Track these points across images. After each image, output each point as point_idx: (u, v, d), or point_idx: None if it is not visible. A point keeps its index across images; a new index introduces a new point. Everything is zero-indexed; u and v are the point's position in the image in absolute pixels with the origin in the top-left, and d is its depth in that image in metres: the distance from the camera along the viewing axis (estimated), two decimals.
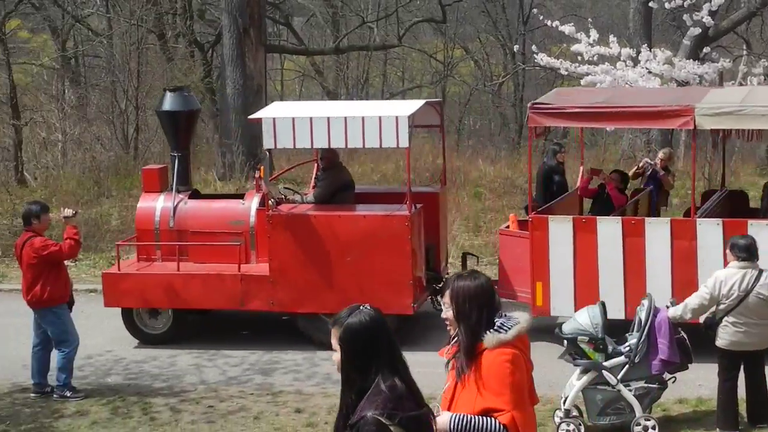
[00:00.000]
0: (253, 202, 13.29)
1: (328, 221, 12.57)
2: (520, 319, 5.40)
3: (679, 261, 11.78)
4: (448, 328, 5.45)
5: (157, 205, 13.59)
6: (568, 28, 14.87)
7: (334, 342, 4.83)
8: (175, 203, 13.38)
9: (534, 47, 20.00)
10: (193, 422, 10.92)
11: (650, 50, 15.56)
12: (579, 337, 10.03)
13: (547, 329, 11.88)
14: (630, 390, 10.01)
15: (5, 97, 27.29)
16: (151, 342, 13.49)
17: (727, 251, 9.87)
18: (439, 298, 12.55)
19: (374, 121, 12.19)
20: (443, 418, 5.25)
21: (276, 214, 12.76)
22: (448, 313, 5.35)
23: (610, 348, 10.00)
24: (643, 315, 10.04)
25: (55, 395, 11.75)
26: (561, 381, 10.74)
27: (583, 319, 10.08)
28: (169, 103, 13.93)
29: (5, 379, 12.18)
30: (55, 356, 11.81)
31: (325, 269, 12.52)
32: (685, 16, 15.47)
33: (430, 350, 11.11)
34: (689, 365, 10.19)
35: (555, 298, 12.33)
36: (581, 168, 14.47)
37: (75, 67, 34.90)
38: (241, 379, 12.37)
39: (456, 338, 5.45)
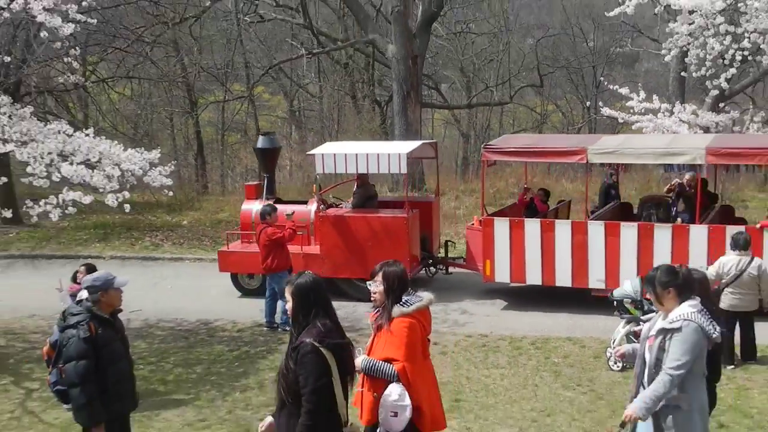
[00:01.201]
0: (312, 207, 14.51)
1: (356, 220, 13.99)
2: (423, 298, 5.78)
3: (577, 249, 12.92)
4: (374, 298, 5.75)
5: (253, 207, 14.71)
6: (624, 90, 15.18)
7: (288, 295, 5.15)
8: (271, 207, 13.95)
9: (601, 103, 20.35)
10: None
11: (681, 105, 15.76)
12: (625, 299, 10.45)
13: (500, 290, 13.84)
14: None
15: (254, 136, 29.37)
16: (248, 294, 14.74)
17: (728, 243, 10.62)
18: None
19: (385, 156, 13.66)
20: (359, 359, 5.58)
21: (324, 215, 14.13)
22: (378, 288, 5.69)
23: (645, 306, 10.28)
24: None
25: (279, 329, 12.60)
26: (610, 328, 10.87)
27: (628, 288, 10.56)
28: (261, 142, 15.42)
29: (249, 318, 13.14)
30: (279, 304, 12.52)
31: (355, 250, 13.78)
32: (707, 82, 15.65)
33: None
34: None
35: (497, 270, 13.58)
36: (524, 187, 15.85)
37: (298, 117, 37.95)
38: None
39: (382, 306, 5.72)
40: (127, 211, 12.07)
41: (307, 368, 4.92)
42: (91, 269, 8.98)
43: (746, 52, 14.99)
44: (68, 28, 11.23)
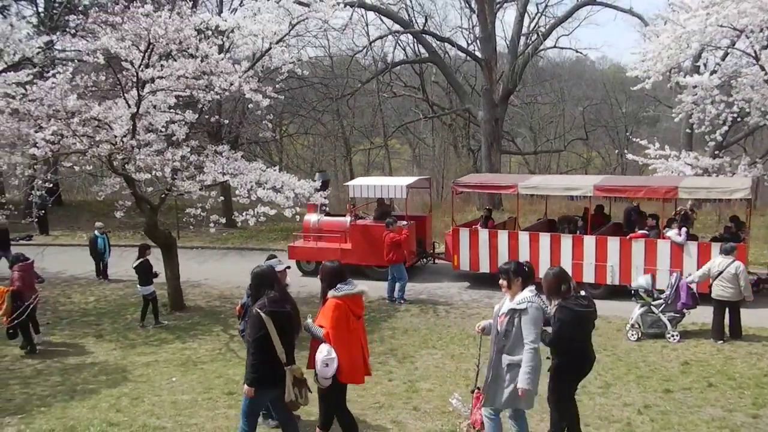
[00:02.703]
0: (348, 218, 14.51)
1: (374, 227, 13.94)
2: (352, 287, 5.58)
3: (512, 250, 12.96)
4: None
5: (311, 218, 14.92)
6: (644, 142, 14.45)
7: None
8: (319, 217, 14.74)
9: (626, 150, 19.38)
10: None
11: (687, 152, 14.83)
12: (639, 289, 10.00)
13: (476, 277, 12.45)
14: (665, 316, 9.82)
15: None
16: (306, 275, 14.59)
17: (720, 249, 10.01)
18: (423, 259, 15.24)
19: (393, 186, 14.17)
20: (307, 321, 5.56)
21: (354, 224, 14.32)
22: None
23: (655, 295, 9.77)
24: (672, 280, 9.96)
25: (396, 302, 12.33)
26: (628, 311, 10.46)
27: (642, 281, 10.06)
28: (317, 177, 15.02)
29: (377, 294, 12.57)
30: (396, 285, 12.45)
31: (373, 247, 13.65)
32: (706, 137, 14.74)
33: (416, 282, 13.72)
34: (697, 306, 9.92)
35: (461, 262, 13.60)
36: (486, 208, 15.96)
37: (418, 160, 39.70)
38: None
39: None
40: (298, 219, 12.50)
41: (251, 327, 5.22)
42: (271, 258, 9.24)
43: (736, 115, 14.16)
44: (265, 102, 11.54)
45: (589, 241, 12.36)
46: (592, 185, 12.39)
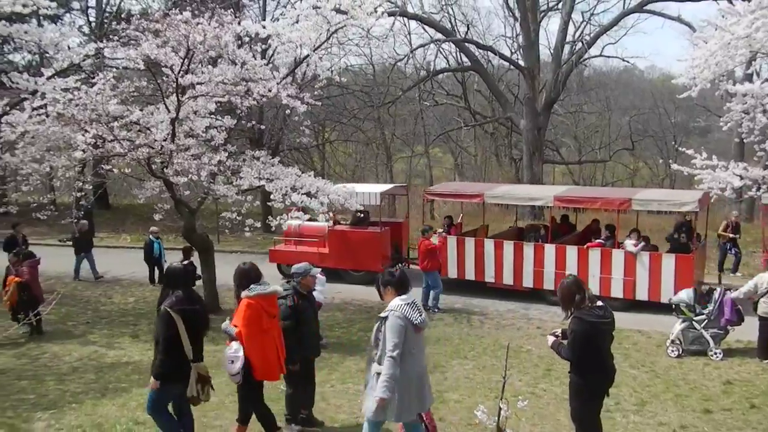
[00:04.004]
0: (326, 223, 13.90)
1: (350, 232, 14.41)
2: (265, 287, 5.77)
3: (478, 257, 13.35)
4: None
5: (293, 223, 14.51)
6: (690, 151, 13.97)
7: None
8: (300, 222, 14.48)
9: (671, 161, 18.70)
10: None
11: (736, 163, 14.27)
12: (681, 304, 9.66)
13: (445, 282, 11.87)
14: (708, 333, 9.47)
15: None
16: (286, 277, 14.22)
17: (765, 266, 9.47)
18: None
19: (367, 194, 14.16)
20: (225, 323, 5.80)
21: (332, 229, 14.50)
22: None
23: (697, 310, 9.45)
24: (716, 295, 9.60)
25: (430, 310, 12.17)
26: (669, 324, 10.14)
27: (684, 295, 9.73)
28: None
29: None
30: (431, 293, 12.40)
31: (351, 250, 14.16)
32: (755, 146, 14.16)
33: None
34: (742, 323, 9.52)
35: (449, 270, 13.70)
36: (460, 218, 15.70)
37: (460, 168, 38.37)
38: None
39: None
40: (330, 224, 12.56)
41: (160, 324, 5.39)
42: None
43: None
44: (302, 108, 11.60)
45: (550, 250, 12.82)
46: (552, 196, 12.98)
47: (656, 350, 9.71)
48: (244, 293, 5.73)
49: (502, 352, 9.28)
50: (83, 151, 10.59)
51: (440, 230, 13.34)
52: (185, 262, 10.89)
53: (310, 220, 14.63)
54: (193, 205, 12.04)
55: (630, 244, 12.22)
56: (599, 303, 5.18)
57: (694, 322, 9.43)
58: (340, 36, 13.44)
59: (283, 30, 11.31)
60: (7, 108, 11.86)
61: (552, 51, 26.16)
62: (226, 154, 11.36)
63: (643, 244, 12.29)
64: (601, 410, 5.42)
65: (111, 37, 11.87)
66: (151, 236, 14.79)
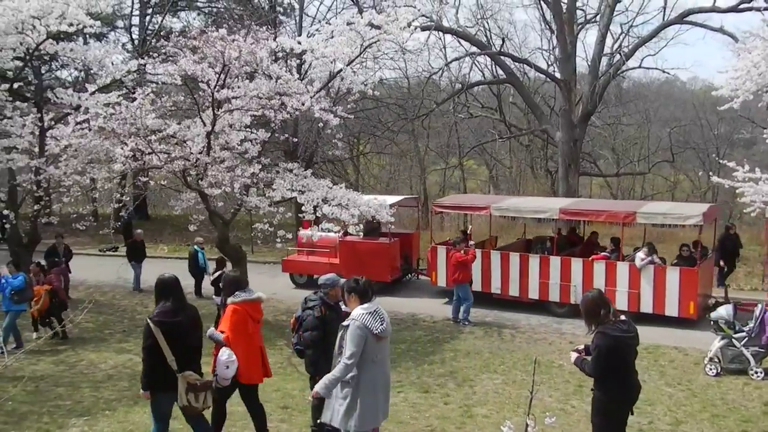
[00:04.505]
0: (339, 235, 14.62)
1: (361, 243, 14.28)
2: (250, 294, 6.00)
3: (484, 268, 13.40)
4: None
5: (306, 233, 15.30)
6: (732, 164, 13.64)
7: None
8: (312, 233, 14.89)
9: (711, 173, 18.22)
10: None
11: None
12: (720, 320, 9.37)
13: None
14: (748, 351, 9.14)
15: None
16: (299, 287, 15.24)
17: None
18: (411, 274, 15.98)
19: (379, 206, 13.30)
20: (210, 330, 5.97)
21: (342, 240, 14.66)
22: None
23: (737, 327, 9.21)
24: (758, 312, 9.25)
25: (461, 323, 12.16)
26: (707, 342, 9.82)
27: (723, 311, 9.46)
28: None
29: (441, 314, 12.84)
30: (463, 306, 12.32)
31: (361, 261, 14.10)
32: None
33: (401, 297, 14.11)
34: None
35: (439, 279, 14.05)
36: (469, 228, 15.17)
37: (495, 181, 38.03)
38: None
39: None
40: (361, 236, 12.64)
41: (143, 334, 5.45)
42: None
43: None
44: (335, 121, 11.76)
45: (555, 262, 12.85)
46: (558, 208, 13.11)
47: (694, 368, 9.44)
48: (230, 300, 5.95)
49: (532, 366, 9.23)
50: (122, 163, 10.93)
51: (472, 243, 13.23)
52: (220, 272, 11.07)
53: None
54: (227, 217, 12.24)
55: (639, 257, 12.14)
56: (622, 317, 5.07)
57: (733, 340, 9.11)
58: (375, 50, 13.58)
59: (318, 45, 11.50)
60: (53, 122, 12.37)
61: (589, 63, 25.82)
62: (260, 167, 11.57)
63: (652, 258, 12.05)
64: (633, 429, 5.30)
65: (151, 54, 12.24)
66: (195, 246, 14.90)
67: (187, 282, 15.07)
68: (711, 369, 9.14)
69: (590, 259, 12.71)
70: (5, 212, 12.51)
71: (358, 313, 5.10)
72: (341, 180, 19.90)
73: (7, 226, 13.86)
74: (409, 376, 8.99)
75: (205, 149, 10.92)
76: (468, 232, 15.00)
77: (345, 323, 5.16)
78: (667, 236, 19.21)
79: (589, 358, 5.09)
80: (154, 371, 5.41)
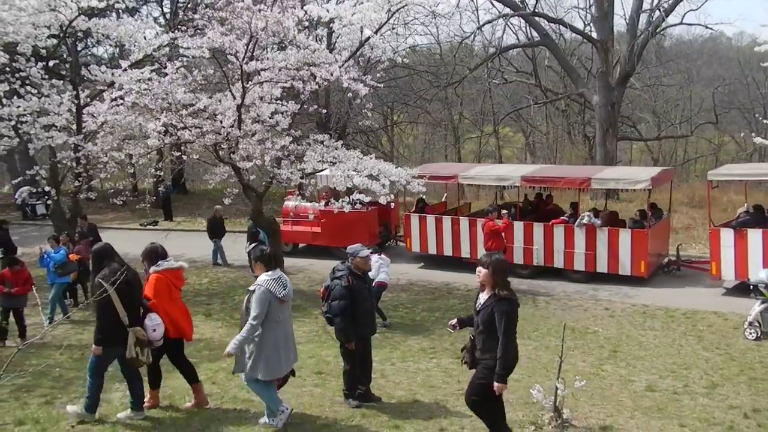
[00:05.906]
0: (317, 204, 14.65)
1: (340, 213, 13.05)
2: (172, 263, 6.29)
3: (454, 234, 14.13)
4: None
5: (290, 203, 15.71)
6: None
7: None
8: (296, 203, 14.64)
9: (753, 134, 17.55)
10: None
11: None
12: (759, 285, 9.16)
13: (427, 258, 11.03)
14: None
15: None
16: (286, 255, 14.60)
17: None
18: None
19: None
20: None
21: (323, 209, 14.89)
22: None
23: None
24: None
25: None
26: (747, 306, 9.66)
27: (763, 275, 9.17)
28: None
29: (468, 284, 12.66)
30: None
31: (340, 229, 14.67)
32: None
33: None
34: None
35: (413, 244, 14.73)
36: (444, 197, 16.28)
37: (531, 148, 37.09)
38: None
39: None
40: (392, 206, 12.72)
41: (96, 293, 5.58)
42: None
43: None
44: (364, 91, 11.66)
45: (518, 227, 13.55)
46: (520, 176, 13.75)
47: (733, 332, 9.29)
48: (152, 268, 6.23)
49: (566, 333, 9.19)
50: (157, 139, 11.13)
51: (504, 212, 13.14)
52: (255, 244, 11.29)
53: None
54: (260, 190, 12.40)
55: (583, 219, 12.92)
56: None
57: None
58: (404, 16, 13.43)
59: (345, 13, 11.42)
60: (89, 99, 12.64)
61: (627, 21, 25.03)
62: (290, 139, 11.65)
63: (590, 220, 12.79)
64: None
65: (181, 27, 12.32)
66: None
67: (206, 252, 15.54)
68: (751, 333, 8.99)
69: (550, 223, 13.37)
70: (47, 189, 12.96)
71: (263, 279, 5.74)
72: (375, 151, 19.85)
73: (50, 202, 14.29)
74: (443, 343, 9.06)
75: (236, 123, 11.03)
76: (444, 200, 15.71)
77: (251, 288, 5.80)
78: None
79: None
80: (107, 327, 5.82)
